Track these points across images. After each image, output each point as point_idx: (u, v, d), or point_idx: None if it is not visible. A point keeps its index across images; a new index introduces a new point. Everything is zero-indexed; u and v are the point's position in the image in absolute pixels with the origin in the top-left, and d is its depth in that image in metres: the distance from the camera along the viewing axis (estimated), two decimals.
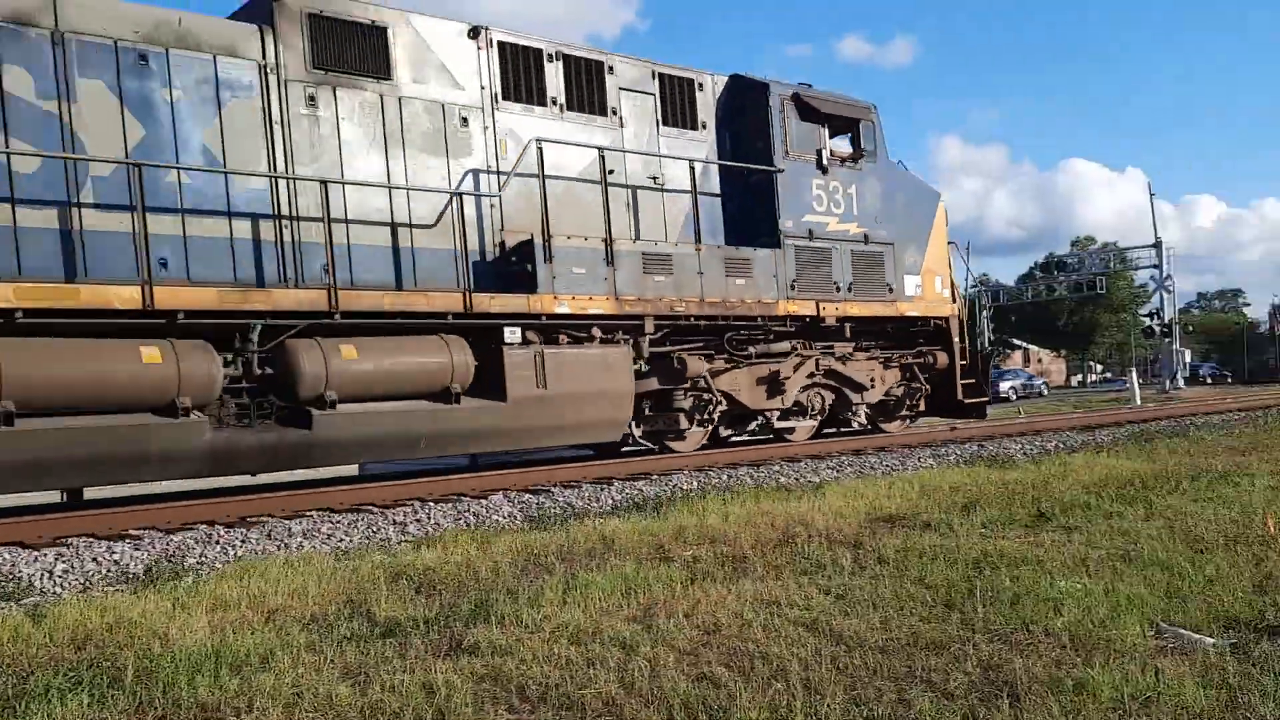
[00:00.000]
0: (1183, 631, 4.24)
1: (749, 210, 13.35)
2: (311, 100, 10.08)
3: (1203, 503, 7.57)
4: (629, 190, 12.23)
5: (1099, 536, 6.40)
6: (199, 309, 8.97)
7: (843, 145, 14.34)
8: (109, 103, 8.99)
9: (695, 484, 10.44)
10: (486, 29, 11.25)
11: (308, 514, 8.96)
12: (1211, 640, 4.11)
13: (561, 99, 11.81)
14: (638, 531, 7.21)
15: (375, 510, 9.07)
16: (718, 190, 13.19)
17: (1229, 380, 58.98)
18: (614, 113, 12.28)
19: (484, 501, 9.45)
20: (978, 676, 3.82)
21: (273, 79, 9.84)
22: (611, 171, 11.85)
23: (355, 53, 10.34)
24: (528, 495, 9.83)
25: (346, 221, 10.10)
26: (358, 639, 4.69)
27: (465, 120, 11.10)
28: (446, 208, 10.78)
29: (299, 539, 7.91)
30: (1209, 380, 58.03)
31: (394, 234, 10.47)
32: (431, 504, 9.39)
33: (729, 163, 13.23)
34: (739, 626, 4.63)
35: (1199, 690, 3.52)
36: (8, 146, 8.36)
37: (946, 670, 3.89)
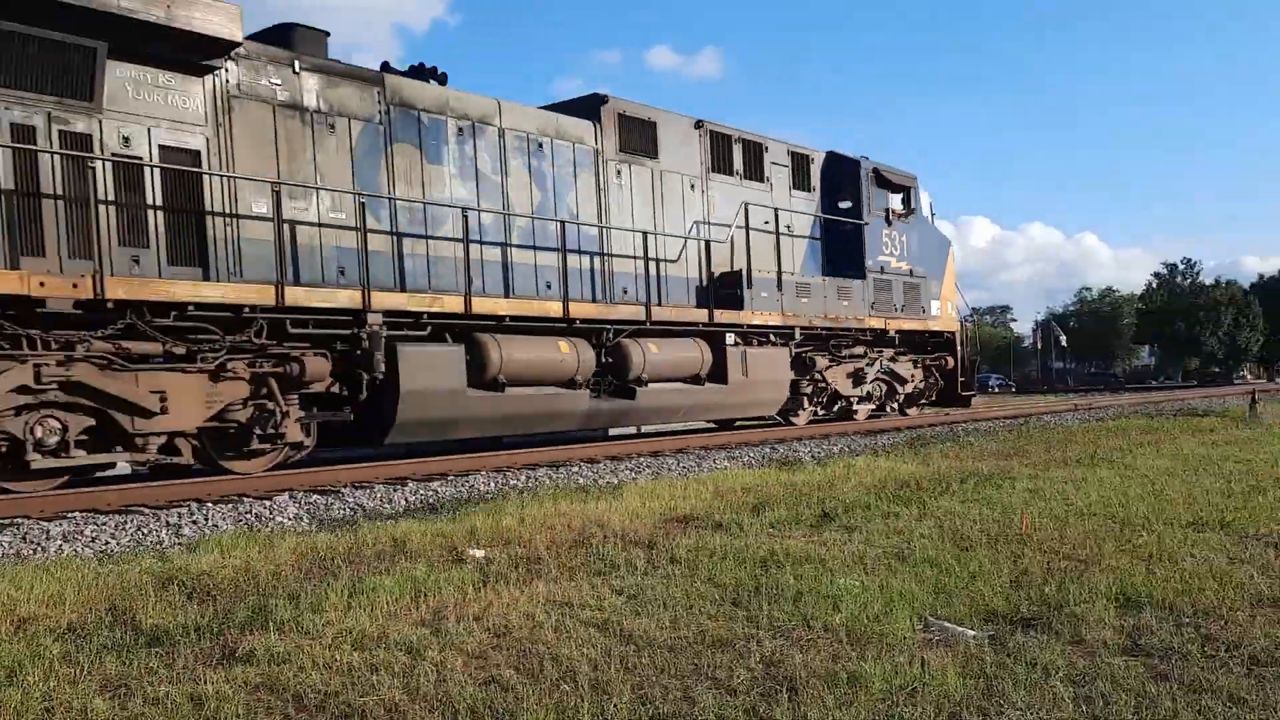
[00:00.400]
0: (947, 625, 4.50)
1: (841, 250, 18.18)
2: (618, 173, 14.54)
3: (969, 503, 8.08)
4: (777, 236, 16.51)
5: (877, 536, 6.73)
6: (586, 317, 13.43)
7: (897, 203, 19.26)
8: (523, 175, 13.31)
9: (493, 485, 10.33)
10: (704, 122, 15.86)
11: (70, 515, 8.31)
12: (972, 633, 4.38)
13: (740, 170, 16.46)
14: (431, 533, 7.05)
15: (147, 511, 8.51)
16: (820, 236, 17.96)
17: (1013, 390, 63.39)
18: (767, 179, 16.92)
19: (267, 502, 9.03)
20: (760, 672, 3.92)
21: (599, 159, 14.26)
22: (766, 222, 16.37)
23: (640, 141, 14.87)
24: (316, 496, 9.46)
25: (633, 257, 14.56)
26: (120, 649, 4.37)
27: (692, 186, 15.63)
28: (684, 248, 15.31)
29: (58, 542, 7.32)
30: (996, 389, 62.14)
31: (659, 266, 14.91)
32: (210, 505, 8.90)
33: (835, 217, 18.07)
34: (530, 628, 4.59)
35: (960, 680, 3.74)
36: (478, 206, 12.56)
37: (731, 667, 3.98)
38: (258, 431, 10.39)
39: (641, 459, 12.78)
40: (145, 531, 7.79)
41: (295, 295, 10.48)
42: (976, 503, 8.12)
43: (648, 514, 7.87)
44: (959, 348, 20.87)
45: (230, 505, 8.89)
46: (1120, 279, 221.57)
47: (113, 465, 9.81)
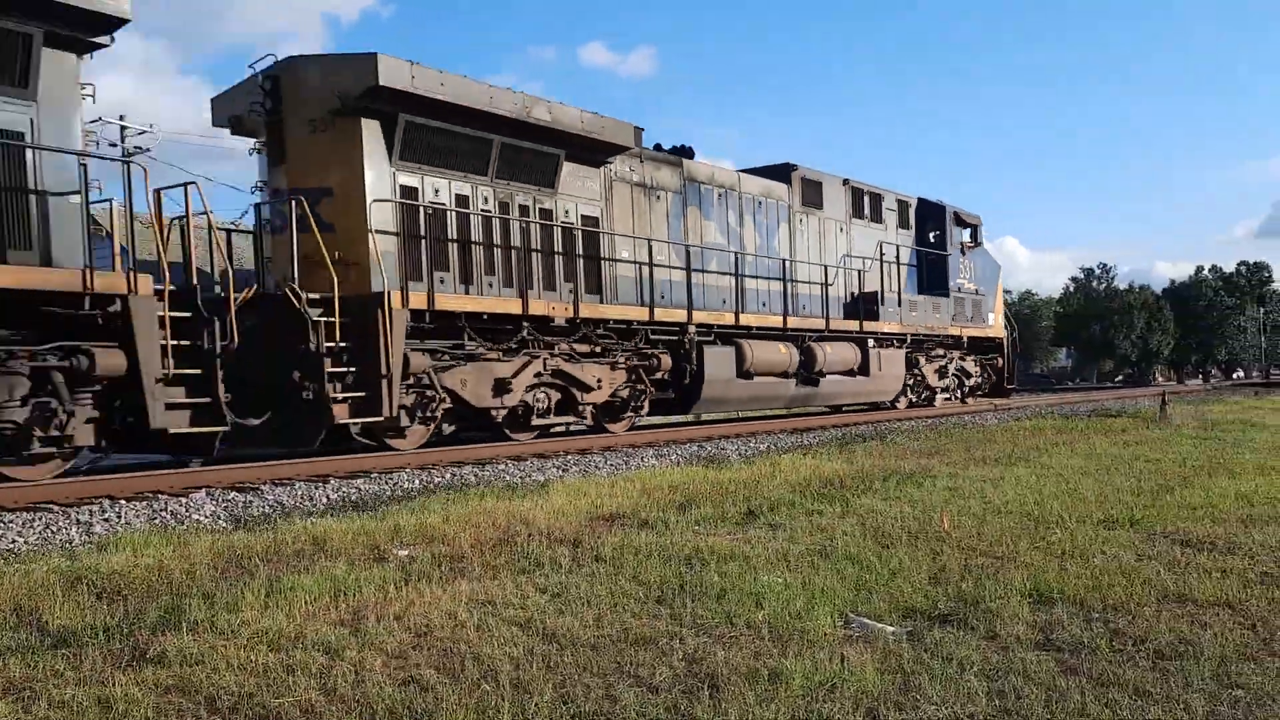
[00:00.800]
0: (867, 621, 4.56)
1: (930, 274, 23.56)
2: (801, 220, 19.61)
3: (891, 501, 8.21)
4: (897, 265, 21.99)
5: (800, 533, 6.80)
6: (794, 327, 18.50)
7: (967, 237, 24.77)
8: (750, 225, 18.25)
9: (418, 483, 10.22)
10: (849, 180, 21.04)
11: None
12: (891, 629, 4.45)
13: (868, 215, 21.74)
14: (352, 532, 6.94)
15: (56, 509, 8.25)
16: (915, 263, 23.13)
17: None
18: (884, 221, 22.20)
19: (184, 500, 8.82)
20: (682, 670, 3.94)
21: (791, 211, 19.35)
22: (885, 254, 21.57)
23: (813, 196, 19.99)
24: (234, 493, 9.26)
25: (809, 282, 19.57)
26: (24, 651, 4.23)
27: (841, 228, 20.77)
28: (837, 274, 20.27)
29: None
30: None
31: (824, 289, 19.80)
32: (123, 502, 8.66)
33: (925, 249, 23.47)
34: (452, 628, 4.55)
35: (878, 675, 3.80)
36: (728, 248, 17.45)
37: (654, 665, 3.99)
38: (633, 404, 15.72)
39: (569, 457, 12.74)
40: (54, 530, 7.55)
41: (659, 314, 15.60)
42: (898, 501, 8.25)
43: (574, 512, 7.85)
44: (1006, 350, 26.92)
45: (145, 503, 8.66)
46: (1039, 282, 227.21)
47: (566, 424, 14.89)
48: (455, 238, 13.04)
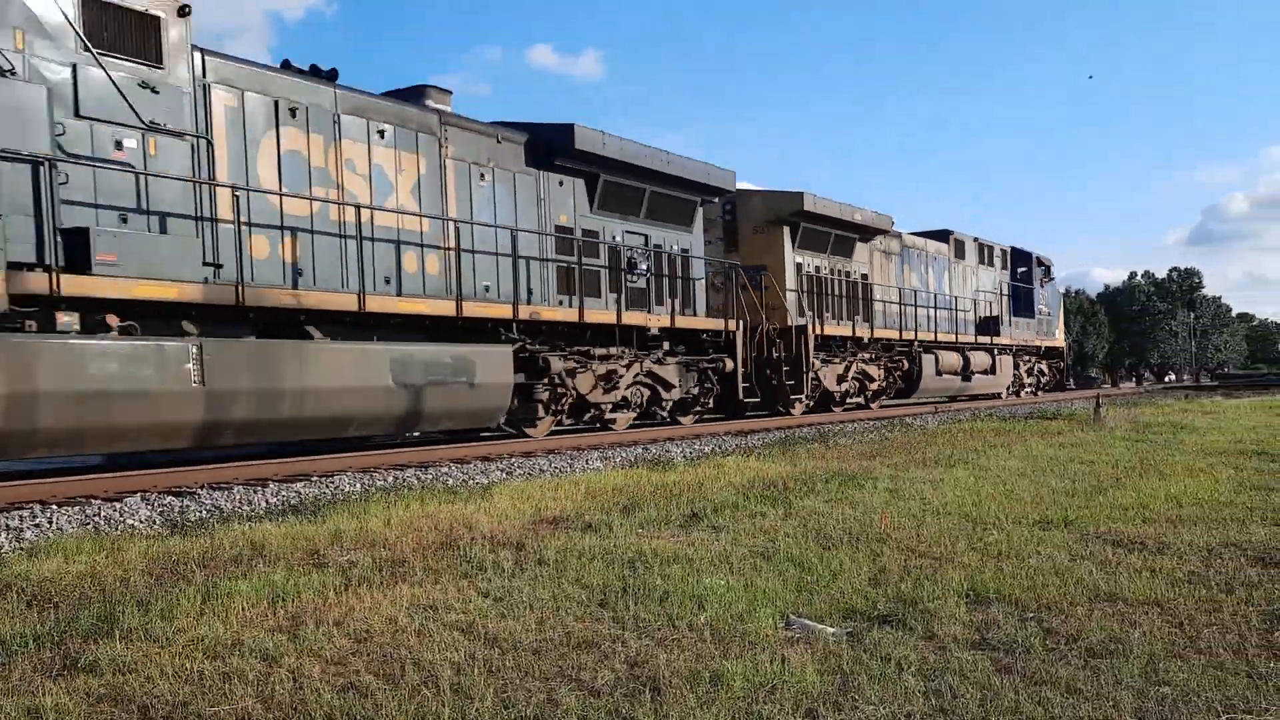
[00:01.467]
0: (808, 622, 4.60)
1: (1020, 301, 33.84)
2: (955, 268, 29.70)
3: (833, 503, 8.29)
4: (1003, 296, 32.52)
5: (743, 535, 6.84)
6: (959, 342, 28.86)
7: (1043, 273, 35.37)
8: (932, 275, 28.45)
9: (359, 486, 10.11)
10: (977, 237, 30.94)
11: None
12: (832, 630, 4.50)
13: (986, 260, 32.04)
14: (291, 536, 6.85)
15: None
16: (1010, 294, 32.88)
17: None
18: (994, 264, 32.23)
19: (118, 505, 8.64)
20: (624, 673, 3.94)
21: (949, 261, 29.43)
22: (996, 289, 31.92)
23: (960, 251, 30.06)
24: (170, 498, 9.10)
25: (962, 310, 29.50)
26: None
27: (973, 272, 30.71)
28: (973, 304, 30.25)
29: None
30: None
31: (967, 315, 29.71)
32: (55, 507, 8.46)
33: (1017, 283, 33.79)
34: (392, 633, 4.51)
35: (818, 676, 3.84)
36: (928, 291, 28.32)
37: (595, 668, 3.99)
38: (884, 394, 25.96)
39: (514, 459, 12.70)
40: None
41: (906, 335, 25.56)
42: (840, 502, 8.34)
43: (517, 515, 7.83)
44: (1066, 356, 39.05)
45: (77, 508, 8.47)
46: None
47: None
48: (821, 291, 22.92)
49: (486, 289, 14.05)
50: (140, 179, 10.01)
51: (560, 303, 15.34)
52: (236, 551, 6.38)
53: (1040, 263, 35.09)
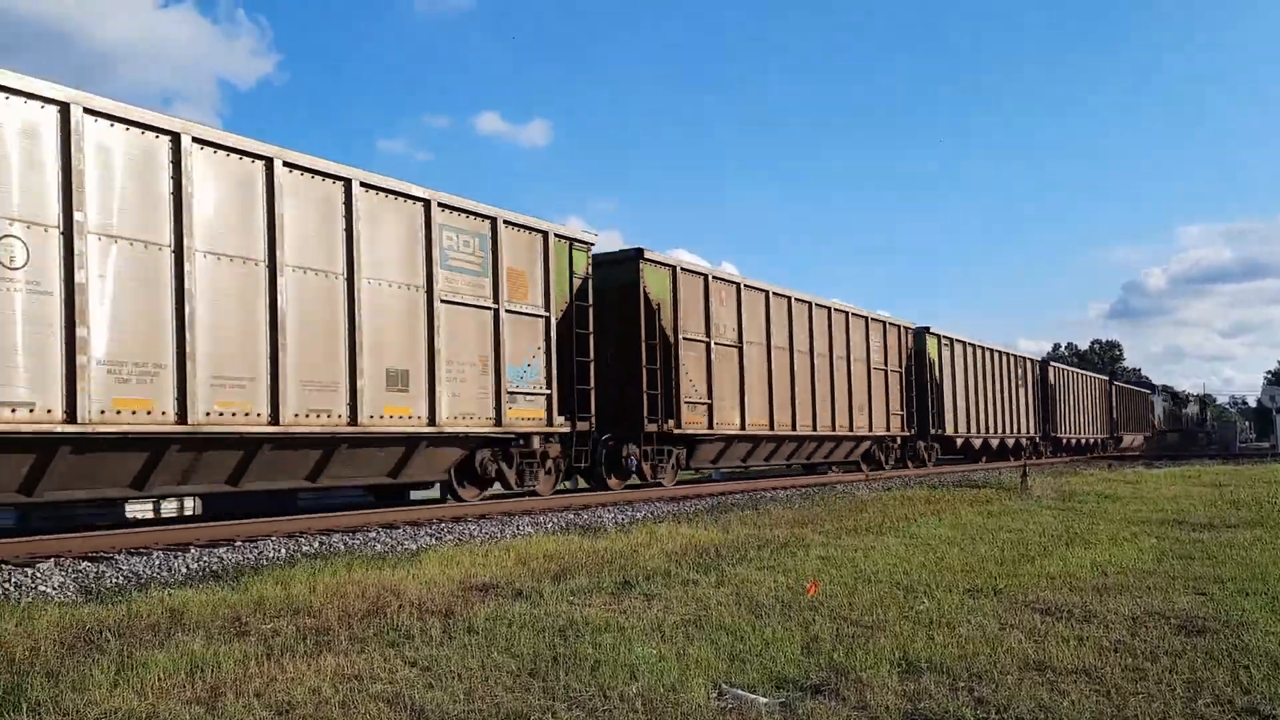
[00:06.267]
0: (741, 692, 4.56)
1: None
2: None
3: (765, 570, 8.28)
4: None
5: (676, 603, 6.79)
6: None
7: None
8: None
9: (284, 552, 9.86)
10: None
11: None
12: (765, 699, 4.46)
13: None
14: (212, 603, 6.64)
15: None
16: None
17: None
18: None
19: (30, 570, 8.30)
20: None
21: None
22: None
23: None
24: (85, 563, 8.77)
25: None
26: None
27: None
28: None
29: None
30: None
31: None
32: None
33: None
34: (316, 704, 4.37)
35: None
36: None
37: None
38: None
39: (444, 524, 12.50)
40: None
41: None
42: (772, 570, 8.33)
43: (446, 581, 7.68)
44: None
45: None
46: None
47: None
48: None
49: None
50: None
51: None
52: (154, 619, 6.16)
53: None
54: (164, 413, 9.97)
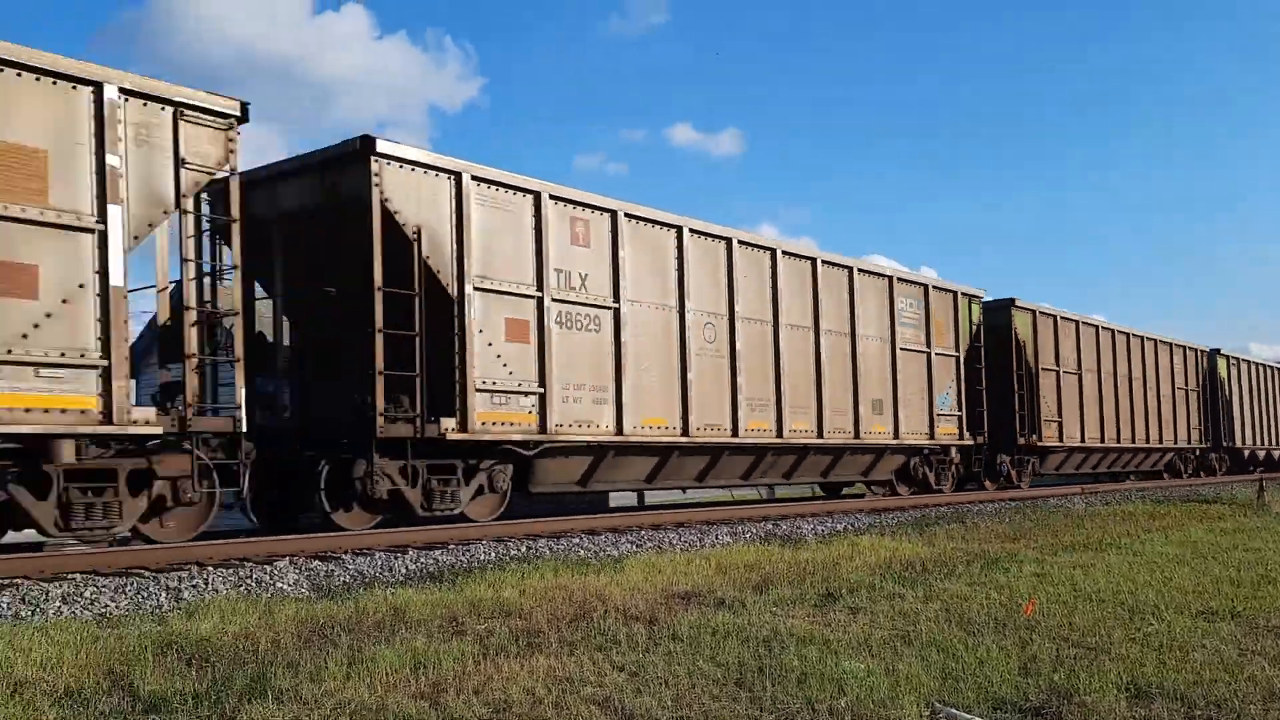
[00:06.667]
0: (955, 711, 4.43)
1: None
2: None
3: (976, 586, 8.00)
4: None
5: (882, 617, 6.65)
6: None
7: None
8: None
9: (494, 555, 10.26)
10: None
11: (70, 576, 8.25)
12: None
13: None
14: (431, 603, 6.99)
15: (147, 574, 8.43)
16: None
17: None
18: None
19: (268, 568, 8.96)
20: None
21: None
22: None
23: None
24: (316, 562, 9.39)
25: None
26: (118, 716, 4.32)
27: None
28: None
29: (57, 604, 7.26)
30: None
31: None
32: (211, 569, 8.83)
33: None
34: (530, 704, 4.53)
35: None
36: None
37: None
38: None
39: (643, 532, 12.68)
40: (145, 595, 7.73)
41: None
42: (983, 586, 8.04)
43: (649, 589, 7.80)
44: None
45: (231, 570, 8.82)
46: None
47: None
48: None
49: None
50: None
51: None
52: (380, 617, 6.54)
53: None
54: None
